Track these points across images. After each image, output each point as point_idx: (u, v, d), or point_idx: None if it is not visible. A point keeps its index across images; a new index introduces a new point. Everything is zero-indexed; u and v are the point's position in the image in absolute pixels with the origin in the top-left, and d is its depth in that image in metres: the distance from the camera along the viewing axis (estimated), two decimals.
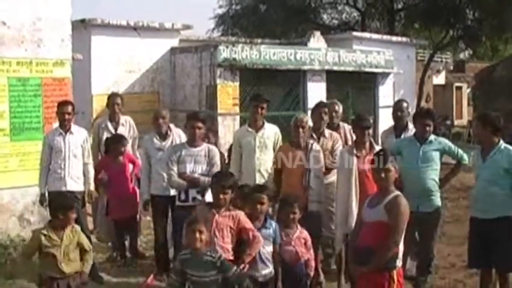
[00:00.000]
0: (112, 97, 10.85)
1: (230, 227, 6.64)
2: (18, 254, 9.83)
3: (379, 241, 6.08)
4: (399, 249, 6.16)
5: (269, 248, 6.86)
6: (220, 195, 6.66)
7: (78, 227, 7.19)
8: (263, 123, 9.21)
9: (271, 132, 9.22)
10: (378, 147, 8.03)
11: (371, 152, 7.73)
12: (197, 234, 6.19)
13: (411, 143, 8.46)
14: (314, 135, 8.94)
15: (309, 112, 15.79)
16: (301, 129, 8.41)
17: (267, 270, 6.84)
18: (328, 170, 8.74)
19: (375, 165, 6.43)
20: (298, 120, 8.48)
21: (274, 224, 6.96)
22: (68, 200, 7.67)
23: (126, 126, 10.62)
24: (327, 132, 8.98)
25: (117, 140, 9.89)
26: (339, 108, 9.56)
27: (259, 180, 8.66)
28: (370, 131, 8.09)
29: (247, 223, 6.71)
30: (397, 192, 6.35)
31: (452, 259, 10.27)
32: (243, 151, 9.14)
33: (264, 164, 9.01)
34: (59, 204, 7.11)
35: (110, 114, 10.69)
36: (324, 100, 13.75)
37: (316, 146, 8.50)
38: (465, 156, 8.59)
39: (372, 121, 8.14)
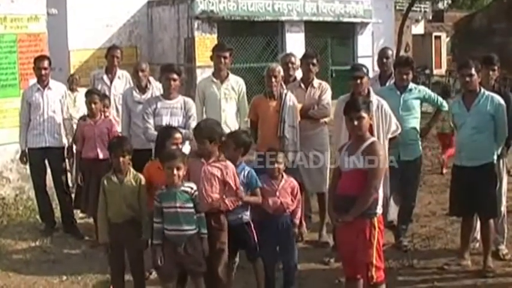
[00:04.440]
0: (111, 49, 10.67)
1: (217, 177, 6.59)
2: None
3: (359, 189, 6.07)
4: (379, 196, 6.16)
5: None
6: (201, 145, 6.61)
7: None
8: (228, 74, 9.14)
9: (235, 83, 9.17)
10: (374, 97, 7.90)
11: None
12: (174, 171, 6.24)
13: (391, 92, 8.44)
14: (303, 85, 8.86)
15: None
16: (273, 79, 8.30)
17: (237, 215, 6.79)
18: (314, 120, 8.71)
19: (347, 113, 6.34)
20: (270, 70, 8.37)
21: (248, 169, 6.86)
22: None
23: (123, 79, 10.46)
24: (316, 82, 8.86)
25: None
26: None
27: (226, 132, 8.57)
28: (365, 80, 7.89)
29: (232, 179, 6.65)
30: (373, 139, 6.34)
31: (432, 207, 10.37)
32: (207, 102, 9.08)
33: (229, 115, 8.99)
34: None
35: (107, 66, 10.54)
36: (303, 51, 13.69)
37: (290, 96, 8.44)
38: (444, 103, 8.65)
39: (366, 71, 8.00)
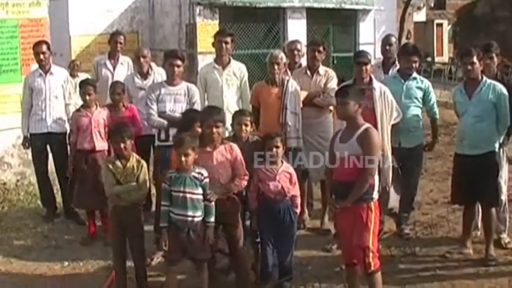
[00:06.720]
0: (114, 35, 10.65)
1: (228, 160, 6.63)
2: None
3: (355, 175, 6.11)
4: (375, 181, 6.20)
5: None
6: (214, 129, 6.55)
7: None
8: (229, 60, 9.09)
9: (237, 69, 9.10)
10: (377, 84, 7.95)
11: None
12: (183, 158, 6.23)
13: (395, 79, 8.43)
14: (309, 72, 8.82)
15: None
16: (276, 66, 8.26)
17: None
18: (319, 108, 8.69)
19: (336, 99, 6.39)
20: (273, 57, 8.32)
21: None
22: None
23: (125, 65, 10.43)
24: (322, 69, 8.83)
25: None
26: None
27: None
28: (369, 67, 7.97)
29: (241, 157, 6.70)
30: (367, 125, 6.32)
31: (434, 195, 10.36)
32: (209, 88, 9.01)
33: (231, 102, 8.93)
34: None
35: (110, 52, 10.50)
36: (305, 37, 13.66)
37: (292, 83, 8.40)
38: (437, 114, 8.70)
39: (369, 57, 8.01)
